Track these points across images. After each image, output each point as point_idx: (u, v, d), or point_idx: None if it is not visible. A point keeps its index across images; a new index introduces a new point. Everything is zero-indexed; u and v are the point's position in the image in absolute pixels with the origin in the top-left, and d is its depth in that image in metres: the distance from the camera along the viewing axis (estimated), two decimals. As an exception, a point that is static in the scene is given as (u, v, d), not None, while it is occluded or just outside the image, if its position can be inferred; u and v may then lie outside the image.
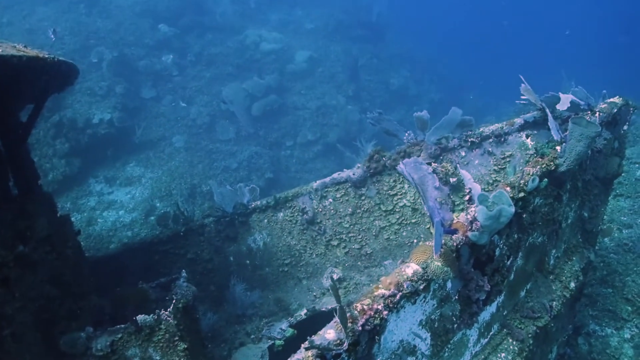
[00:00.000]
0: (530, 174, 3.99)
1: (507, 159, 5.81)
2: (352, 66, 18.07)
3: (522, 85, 4.50)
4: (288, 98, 16.44)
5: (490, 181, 5.92)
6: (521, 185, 3.87)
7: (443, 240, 3.38)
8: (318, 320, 6.09)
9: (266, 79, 16.19)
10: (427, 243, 3.34)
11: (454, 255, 3.40)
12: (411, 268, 3.20)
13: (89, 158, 12.92)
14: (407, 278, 3.12)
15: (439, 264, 3.24)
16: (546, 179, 4.05)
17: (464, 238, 3.47)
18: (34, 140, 12.40)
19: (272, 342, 5.72)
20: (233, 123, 14.98)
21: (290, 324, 6.02)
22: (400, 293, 3.06)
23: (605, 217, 7.98)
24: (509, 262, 4.12)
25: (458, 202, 5.86)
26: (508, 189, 3.86)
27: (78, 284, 5.23)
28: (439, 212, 3.42)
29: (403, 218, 6.61)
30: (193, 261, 7.14)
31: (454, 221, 3.57)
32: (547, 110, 4.46)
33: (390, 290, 3.04)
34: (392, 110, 18.13)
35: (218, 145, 14.78)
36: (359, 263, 6.78)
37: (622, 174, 8.97)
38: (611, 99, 5.15)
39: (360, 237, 6.78)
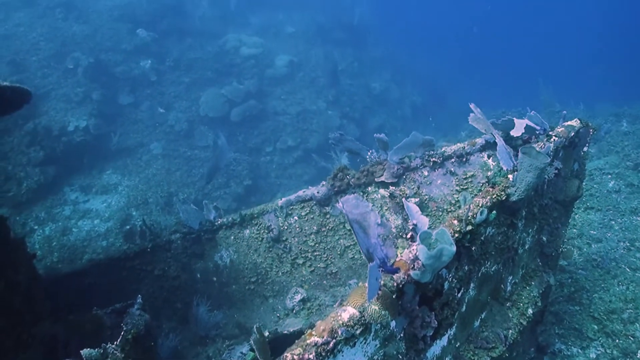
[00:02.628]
0: (480, 205, 3.92)
1: (469, 179, 5.75)
2: (332, 70, 17.95)
3: (471, 115, 4.41)
4: (268, 103, 16.30)
5: (453, 201, 5.86)
6: (469, 218, 3.81)
7: (382, 281, 3.31)
8: (280, 342, 6.00)
9: (245, 84, 16.03)
10: (366, 284, 3.26)
11: (394, 296, 3.33)
12: (347, 312, 3.11)
13: (64, 166, 12.74)
14: (342, 324, 3.04)
15: (376, 307, 3.16)
16: (494, 212, 3.98)
17: (406, 277, 3.40)
18: (8, 148, 12.23)
19: (233, 366, 5.64)
20: (212, 129, 14.85)
21: (252, 347, 5.92)
22: (334, 340, 2.98)
23: (574, 230, 7.97)
24: (459, 295, 4.05)
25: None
26: (455, 222, 3.79)
27: (30, 311, 5.11)
28: (381, 249, 3.35)
29: (368, 237, 6.53)
30: (160, 278, 7.07)
31: (397, 259, 3.50)
32: (498, 138, 4.39)
33: (323, 337, 2.96)
34: (374, 114, 18.05)
35: (196, 152, 14.65)
36: (324, 282, 6.70)
37: (594, 186, 9.01)
38: (569, 122, 5.09)
39: (325, 255, 6.70)
